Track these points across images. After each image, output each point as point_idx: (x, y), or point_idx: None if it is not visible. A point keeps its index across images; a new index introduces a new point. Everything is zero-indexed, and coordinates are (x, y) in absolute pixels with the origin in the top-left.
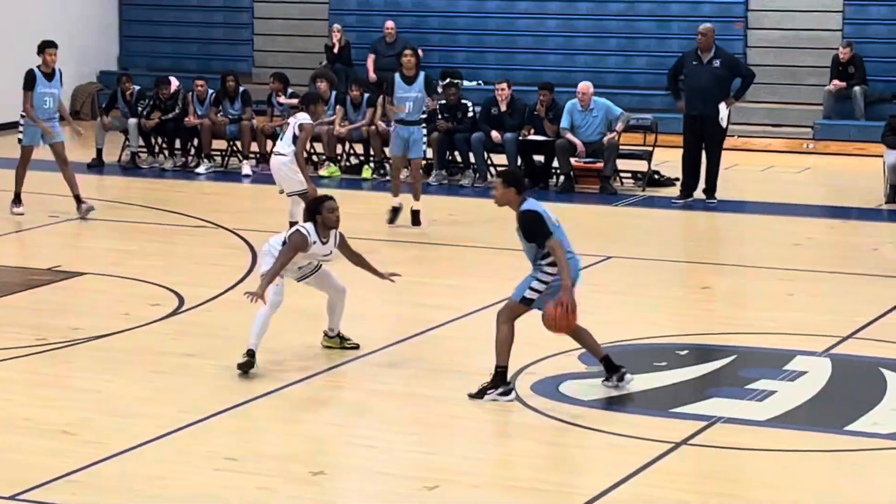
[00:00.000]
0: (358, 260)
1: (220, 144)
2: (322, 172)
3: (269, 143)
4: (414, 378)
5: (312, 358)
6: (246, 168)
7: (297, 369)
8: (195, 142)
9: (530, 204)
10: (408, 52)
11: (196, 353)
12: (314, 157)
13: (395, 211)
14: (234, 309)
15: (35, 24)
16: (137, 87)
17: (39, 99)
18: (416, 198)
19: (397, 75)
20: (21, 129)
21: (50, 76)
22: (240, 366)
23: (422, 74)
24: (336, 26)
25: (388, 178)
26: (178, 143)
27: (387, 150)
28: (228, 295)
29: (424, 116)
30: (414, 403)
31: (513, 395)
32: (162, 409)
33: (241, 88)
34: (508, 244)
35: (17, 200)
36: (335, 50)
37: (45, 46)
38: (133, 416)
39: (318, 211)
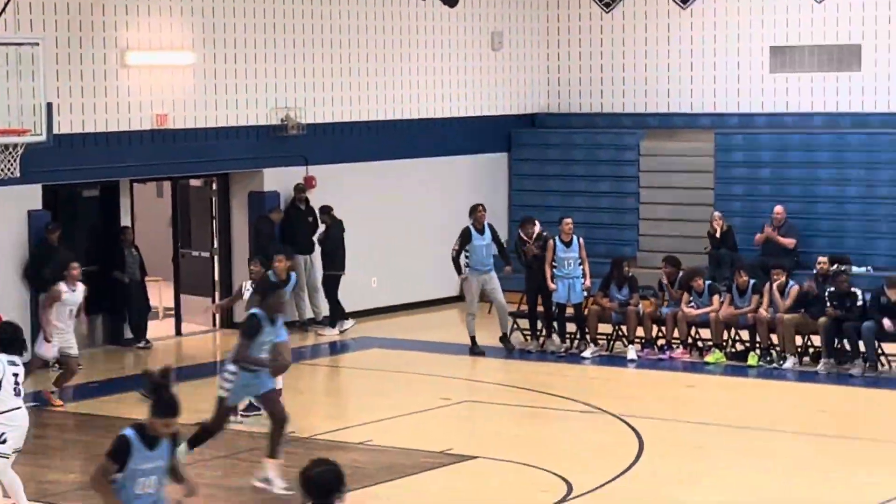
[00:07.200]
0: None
1: (605, 328)
2: (707, 358)
3: (655, 328)
4: None
5: None
6: (631, 353)
7: None
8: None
9: None
10: None
11: None
12: (699, 343)
13: None
14: (623, 499)
15: None
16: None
17: None
18: None
19: None
20: None
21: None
22: None
23: None
24: (716, 214)
25: (774, 364)
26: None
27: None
28: (616, 482)
29: None
30: None
31: None
32: None
33: (629, 273)
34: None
35: None
36: (717, 235)
37: (275, 253)
38: None
39: None
